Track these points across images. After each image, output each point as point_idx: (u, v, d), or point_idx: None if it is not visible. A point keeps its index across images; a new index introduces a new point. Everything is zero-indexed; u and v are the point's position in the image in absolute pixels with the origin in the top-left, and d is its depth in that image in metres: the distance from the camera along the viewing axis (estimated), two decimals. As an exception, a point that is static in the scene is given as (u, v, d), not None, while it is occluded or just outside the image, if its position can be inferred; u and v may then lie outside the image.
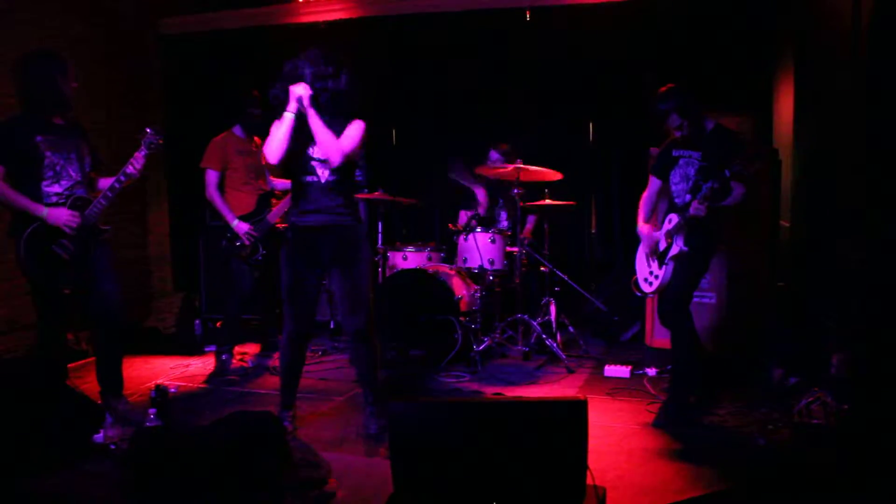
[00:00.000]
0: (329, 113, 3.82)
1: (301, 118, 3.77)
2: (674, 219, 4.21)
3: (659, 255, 4.31)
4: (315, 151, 3.86)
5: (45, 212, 4.01)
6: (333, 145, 3.76)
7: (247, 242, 5.23)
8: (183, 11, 6.95)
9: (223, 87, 7.05)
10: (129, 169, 4.15)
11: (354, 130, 3.85)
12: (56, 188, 4.10)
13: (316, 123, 3.75)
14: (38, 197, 4.04)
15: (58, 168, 4.10)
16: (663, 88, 4.17)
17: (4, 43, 5.42)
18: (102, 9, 6.34)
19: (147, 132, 4.20)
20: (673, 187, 4.31)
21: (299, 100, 3.72)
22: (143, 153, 4.17)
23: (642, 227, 4.47)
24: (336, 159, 3.77)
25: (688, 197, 4.19)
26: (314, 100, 3.76)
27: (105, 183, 4.25)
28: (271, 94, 3.88)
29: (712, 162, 4.08)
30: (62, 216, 4.03)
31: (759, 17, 5.86)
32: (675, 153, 4.29)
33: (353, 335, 4.04)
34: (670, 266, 4.24)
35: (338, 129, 3.83)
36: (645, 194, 4.52)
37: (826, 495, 3.09)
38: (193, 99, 7.06)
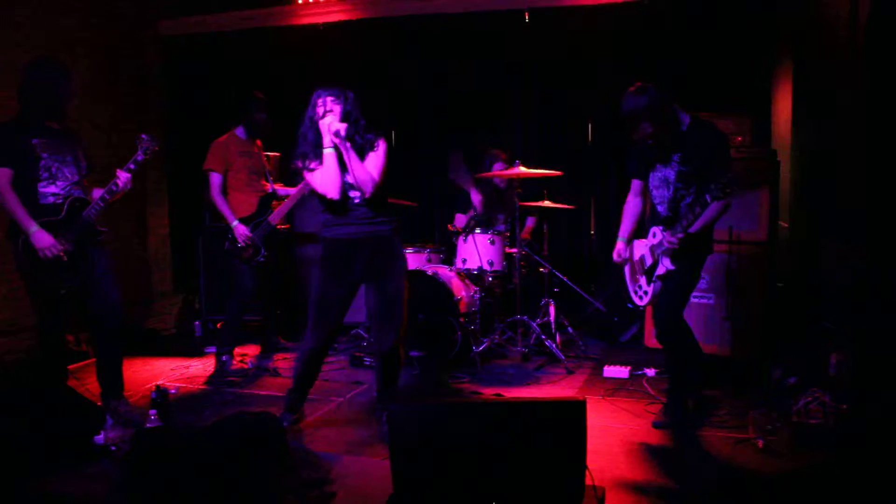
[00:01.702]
0: (357, 143, 3.90)
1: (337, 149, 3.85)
2: (657, 233, 4.01)
3: (646, 272, 4.15)
4: (348, 177, 3.89)
5: (32, 230, 4.00)
6: (367, 177, 3.84)
7: (241, 244, 5.24)
8: (182, 13, 6.96)
9: (223, 88, 7.08)
10: (124, 174, 4.16)
11: (380, 153, 3.91)
12: (53, 188, 4.10)
13: (352, 158, 3.83)
14: (35, 198, 4.05)
15: (53, 170, 4.10)
16: (631, 88, 3.86)
17: (3, 43, 5.43)
18: (102, 10, 6.35)
19: (143, 138, 4.22)
20: (653, 192, 4.10)
21: (337, 133, 3.79)
22: (139, 158, 4.19)
23: (619, 243, 4.26)
24: (368, 189, 3.85)
25: (670, 212, 3.98)
26: (348, 135, 3.84)
27: (98, 193, 4.27)
28: (301, 133, 3.95)
29: (692, 166, 3.86)
30: (45, 241, 4.01)
31: (758, 17, 5.86)
32: (651, 154, 4.07)
33: (383, 353, 4.04)
34: (658, 284, 4.08)
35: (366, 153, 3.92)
36: (628, 199, 4.29)
37: (825, 496, 3.09)
38: (193, 100, 7.06)
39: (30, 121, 4.09)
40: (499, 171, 5.80)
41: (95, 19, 6.30)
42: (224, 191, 5.33)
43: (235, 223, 5.26)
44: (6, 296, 5.45)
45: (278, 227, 5.51)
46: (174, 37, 6.98)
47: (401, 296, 3.98)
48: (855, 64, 4.31)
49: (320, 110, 3.84)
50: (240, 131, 5.43)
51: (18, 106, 4.13)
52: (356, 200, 3.92)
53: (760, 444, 3.78)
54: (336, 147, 3.81)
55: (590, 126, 6.74)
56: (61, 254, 4.05)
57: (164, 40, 7.00)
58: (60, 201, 4.10)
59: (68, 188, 4.15)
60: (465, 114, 6.91)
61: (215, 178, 5.30)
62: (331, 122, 3.80)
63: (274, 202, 5.51)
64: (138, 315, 6.48)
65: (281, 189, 5.64)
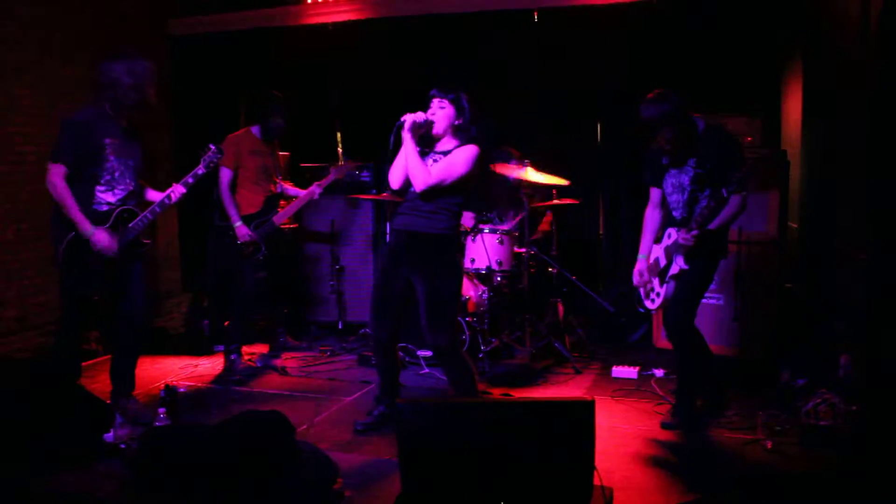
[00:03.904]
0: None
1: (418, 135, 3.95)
2: (673, 234, 4.03)
3: (659, 273, 4.15)
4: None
5: (90, 231, 3.99)
6: (419, 175, 3.84)
7: (243, 240, 5.27)
8: (191, 12, 6.98)
9: (232, 87, 7.09)
10: (180, 188, 4.16)
11: (455, 157, 3.89)
12: (109, 196, 4.10)
13: (408, 150, 3.87)
14: (90, 201, 4.04)
15: (116, 174, 4.09)
16: (651, 94, 3.88)
17: (14, 43, 5.44)
18: (111, 9, 6.37)
19: (210, 148, 4.20)
20: (668, 197, 4.12)
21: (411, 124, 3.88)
22: (199, 172, 4.18)
23: (639, 261, 4.25)
24: (418, 186, 3.85)
25: (685, 212, 4.00)
26: (414, 127, 3.89)
27: (153, 195, 4.26)
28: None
29: (707, 169, 3.89)
30: (104, 241, 4.01)
31: (767, 16, 5.84)
32: (665, 160, 4.08)
33: (433, 353, 4.10)
34: (671, 285, 4.08)
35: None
36: (647, 211, 4.29)
37: (834, 497, 3.08)
38: (202, 99, 7.08)
39: (105, 117, 4.06)
40: (510, 168, 5.76)
41: (105, 18, 6.32)
42: (233, 188, 5.35)
43: (238, 224, 5.28)
44: (17, 294, 5.48)
45: (283, 226, 5.52)
46: (183, 36, 7.00)
47: (448, 293, 3.93)
48: (865, 63, 4.29)
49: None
50: (256, 130, 5.44)
51: (97, 98, 4.08)
52: (416, 190, 3.91)
53: (769, 445, 3.78)
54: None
55: (598, 126, 6.72)
56: (115, 251, 4.05)
57: (173, 39, 7.02)
58: (113, 210, 4.10)
59: (123, 198, 4.14)
60: (471, 115, 6.89)
61: (225, 174, 5.31)
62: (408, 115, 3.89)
63: (282, 202, 5.52)
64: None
65: (290, 189, 5.65)
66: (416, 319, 4.02)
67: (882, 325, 3.96)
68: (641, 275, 4.26)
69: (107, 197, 4.09)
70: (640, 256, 4.29)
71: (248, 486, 3.13)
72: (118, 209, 4.11)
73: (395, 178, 4.00)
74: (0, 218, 5.36)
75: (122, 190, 4.13)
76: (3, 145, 5.36)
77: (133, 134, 4.21)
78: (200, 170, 4.19)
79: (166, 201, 4.16)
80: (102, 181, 4.06)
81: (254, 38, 6.90)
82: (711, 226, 3.87)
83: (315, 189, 5.43)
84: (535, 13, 6.21)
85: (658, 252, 4.19)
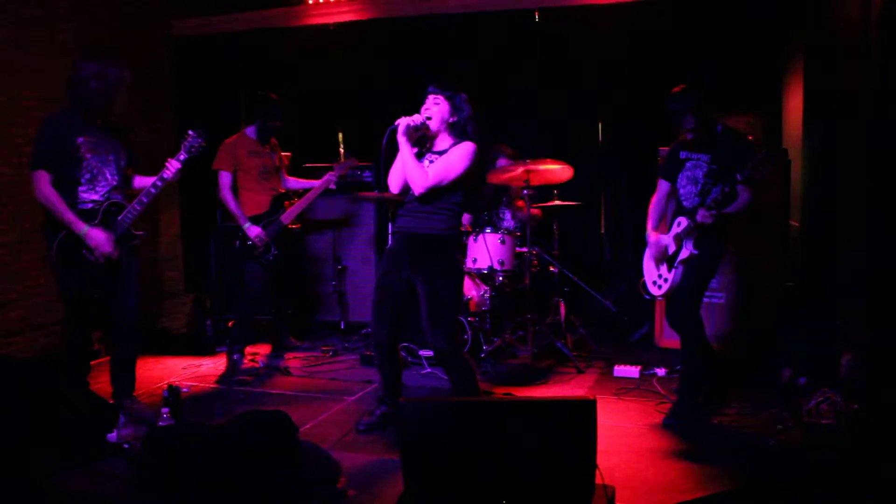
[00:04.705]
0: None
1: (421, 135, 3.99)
2: (683, 222, 4.16)
3: (668, 259, 4.26)
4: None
5: (84, 231, 3.99)
6: (417, 178, 3.85)
7: (258, 244, 5.28)
8: (193, 13, 6.99)
9: (235, 87, 7.10)
10: (166, 174, 4.14)
11: (451, 156, 3.89)
12: (93, 195, 4.09)
13: (404, 154, 3.87)
14: (74, 202, 4.03)
15: (95, 171, 4.08)
16: (676, 88, 4.11)
17: (13, 41, 5.45)
18: (112, 9, 6.37)
19: (189, 134, 4.18)
20: (681, 190, 4.26)
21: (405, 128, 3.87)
22: (182, 157, 4.17)
23: (651, 234, 4.40)
24: (418, 190, 3.87)
25: (697, 200, 4.14)
26: (410, 131, 3.88)
27: (140, 181, 4.26)
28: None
29: (721, 165, 4.06)
30: (99, 237, 4.01)
31: (768, 15, 5.85)
32: (682, 155, 4.25)
33: (434, 354, 4.11)
34: (679, 270, 4.19)
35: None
36: (654, 199, 4.45)
37: (835, 496, 3.09)
38: (204, 100, 7.09)
39: (76, 117, 4.05)
40: (505, 168, 5.76)
41: (106, 19, 6.32)
42: (235, 190, 5.36)
43: (247, 225, 5.28)
44: (21, 294, 5.49)
45: (290, 226, 5.53)
46: (185, 37, 7.02)
47: (447, 294, 3.93)
48: (865, 63, 4.30)
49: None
50: (250, 131, 5.45)
51: (68, 100, 4.07)
52: (416, 192, 3.92)
53: (771, 443, 3.78)
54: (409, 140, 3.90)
55: (600, 125, 6.73)
56: (114, 255, 4.05)
57: (177, 40, 7.03)
58: (97, 207, 4.09)
59: (107, 193, 4.13)
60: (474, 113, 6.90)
61: (224, 178, 5.33)
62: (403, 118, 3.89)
63: (286, 202, 5.53)
64: (150, 314, 6.51)
65: (294, 182, 5.65)
66: (418, 319, 4.03)
67: (882, 324, 3.98)
68: (658, 241, 4.36)
69: (89, 195, 4.08)
70: (650, 232, 4.42)
71: (251, 486, 3.14)
72: (105, 204, 4.11)
73: (394, 183, 4.02)
74: (3, 219, 5.37)
75: (103, 186, 4.12)
76: (5, 147, 5.38)
77: (110, 128, 4.19)
78: (182, 155, 4.17)
79: (152, 190, 4.14)
80: (83, 181, 4.06)
81: (255, 38, 6.92)
82: (726, 210, 4.02)
83: (330, 177, 5.46)
84: (536, 13, 6.23)
85: (667, 240, 4.27)
